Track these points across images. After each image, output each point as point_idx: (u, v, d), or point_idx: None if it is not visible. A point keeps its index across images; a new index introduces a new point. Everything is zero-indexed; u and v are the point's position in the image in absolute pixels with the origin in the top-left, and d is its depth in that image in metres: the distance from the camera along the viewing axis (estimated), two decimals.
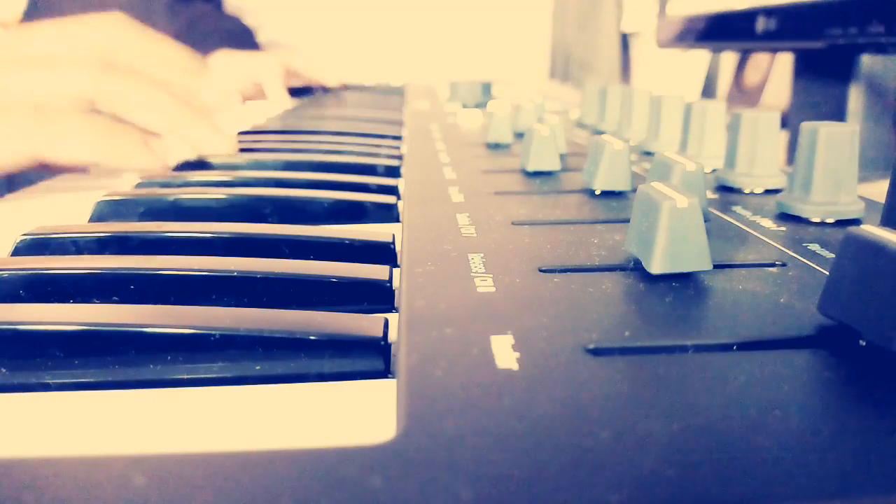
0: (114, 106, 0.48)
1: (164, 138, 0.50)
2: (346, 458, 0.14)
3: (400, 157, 0.53)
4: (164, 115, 0.50)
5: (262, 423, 0.18)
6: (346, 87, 1.23)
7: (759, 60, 0.90)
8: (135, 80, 0.49)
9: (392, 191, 0.42)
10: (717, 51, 0.98)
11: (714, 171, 0.42)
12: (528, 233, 0.30)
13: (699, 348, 0.19)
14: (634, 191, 0.31)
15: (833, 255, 0.25)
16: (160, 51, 0.72)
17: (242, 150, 0.55)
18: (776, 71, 0.86)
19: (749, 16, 0.63)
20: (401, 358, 0.19)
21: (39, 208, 0.42)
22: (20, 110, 0.42)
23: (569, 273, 0.25)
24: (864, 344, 0.19)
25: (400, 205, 0.39)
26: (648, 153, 0.49)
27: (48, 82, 0.46)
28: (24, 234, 0.31)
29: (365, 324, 0.22)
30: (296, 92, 1.12)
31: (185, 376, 0.21)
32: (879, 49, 0.49)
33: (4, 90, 0.45)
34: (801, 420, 0.15)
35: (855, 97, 0.59)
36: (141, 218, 0.37)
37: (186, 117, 0.51)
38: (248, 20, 1.43)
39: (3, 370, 0.21)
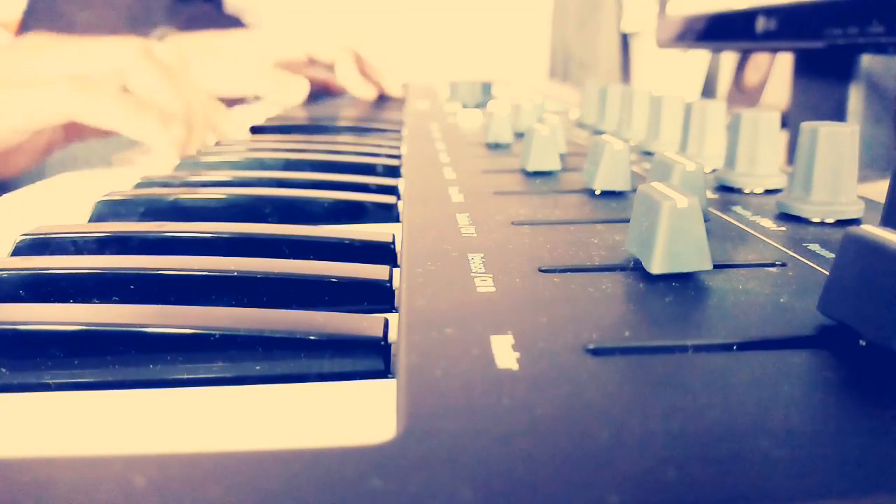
0: (140, 87, 0.54)
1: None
2: (345, 458, 0.14)
3: (400, 157, 0.53)
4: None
5: (262, 423, 0.18)
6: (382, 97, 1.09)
7: (759, 60, 0.90)
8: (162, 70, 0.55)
9: (392, 191, 0.42)
10: (717, 51, 0.98)
11: (714, 171, 0.42)
12: (528, 233, 0.30)
13: (699, 348, 0.19)
14: (634, 191, 0.31)
15: (833, 255, 0.25)
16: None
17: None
18: (776, 71, 0.86)
19: (749, 16, 0.63)
20: (401, 358, 0.19)
21: (39, 208, 0.42)
22: (65, 78, 0.49)
23: (569, 273, 0.25)
24: (864, 344, 0.19)
25: (400, 205, 0.39)
26: (648, 153, 0.49)
27: (90, 58, 0.53)
28: (24, 234, 0.31)
29: (365, 324, 0.22)
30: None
31: (185, 376, 0.21)
32: (879, 49, 0.49)
33: (52, 65, 0.53)
34: (801, 420, 0.15)
35: (855, 97, 0.59)
36: (141, 218, 0.37)
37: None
38: (248, 20, 1.43)
39: (3, 370, 0.21)
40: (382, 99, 1.03)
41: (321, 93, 1.05)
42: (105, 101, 0.49)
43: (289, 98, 0.87)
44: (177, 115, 0.53)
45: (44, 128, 0.51)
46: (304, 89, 0.87)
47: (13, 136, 0.50)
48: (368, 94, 0.98)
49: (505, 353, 0.18)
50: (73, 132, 0.59)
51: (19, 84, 0.48)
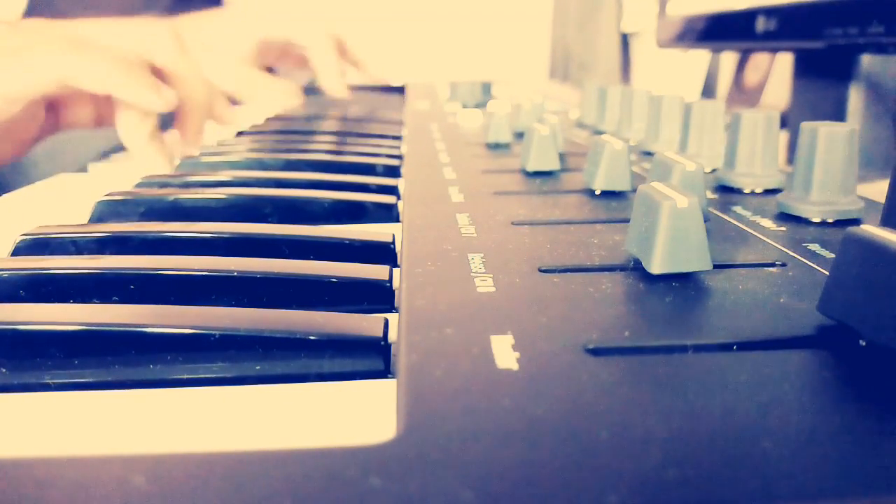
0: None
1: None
2: (346, 458, 0.14)
3: (400, 157, 0.53)
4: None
5: (262, 423, 0.18)
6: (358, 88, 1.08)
7: (759, 60, 0.90)
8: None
9: (392, 191, 0.42)
10: (717, 51, 0.98)
11: (714, 171, 0.42)
12: (528, 233, 0.30)
13: (699, 348, 0.19)
14: (634, 191, 0.31)
15: (833, 255, 0.25)
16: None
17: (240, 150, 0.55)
18: (776, 71, 0.86)
19: (749, 16, 0.63)
20: (401, 358, 0.19)
21: (39, 208, 0.42)
22: (57, 42, 0.48)
23: (569, 273, 0.25)
24: (864, 344, 0.19)
25: (400, 205, 0.39)
26: (648, 153, 0.49)
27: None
28: (24, 234, 0.31)
29: (365, 324, 0.22)
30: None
31: (185, 376, 0.21)
32: (879, 49, 0.49)
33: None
34: (800, 420, 0.15)
35: (855, 97, 0.59)
36: (141, 218, 0.37)
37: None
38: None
39: (3, 370, 0.21)
40: (383, 97, 1.03)
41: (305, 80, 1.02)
42: (98, 61, 0.48)
43: (283, 104, 0.87)
44: (171, 88, 0.53)
45: (37, 96, 0.50)
46: (295, 95, 0.87)
47: (9, 107, 0.49)
48: (340, 91, 0.96)
49: (505, 353, 0.18)
50: (62, 119, 0.58)
51: (14, 50, 0.47)
